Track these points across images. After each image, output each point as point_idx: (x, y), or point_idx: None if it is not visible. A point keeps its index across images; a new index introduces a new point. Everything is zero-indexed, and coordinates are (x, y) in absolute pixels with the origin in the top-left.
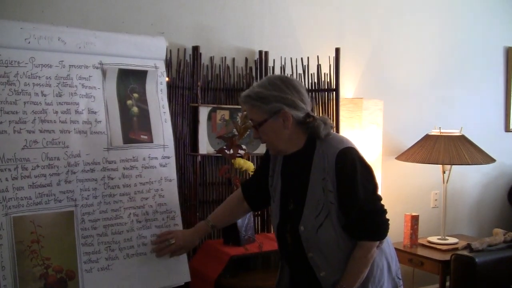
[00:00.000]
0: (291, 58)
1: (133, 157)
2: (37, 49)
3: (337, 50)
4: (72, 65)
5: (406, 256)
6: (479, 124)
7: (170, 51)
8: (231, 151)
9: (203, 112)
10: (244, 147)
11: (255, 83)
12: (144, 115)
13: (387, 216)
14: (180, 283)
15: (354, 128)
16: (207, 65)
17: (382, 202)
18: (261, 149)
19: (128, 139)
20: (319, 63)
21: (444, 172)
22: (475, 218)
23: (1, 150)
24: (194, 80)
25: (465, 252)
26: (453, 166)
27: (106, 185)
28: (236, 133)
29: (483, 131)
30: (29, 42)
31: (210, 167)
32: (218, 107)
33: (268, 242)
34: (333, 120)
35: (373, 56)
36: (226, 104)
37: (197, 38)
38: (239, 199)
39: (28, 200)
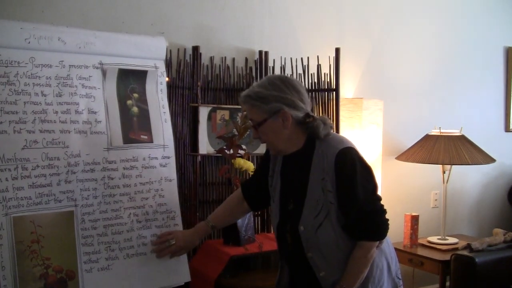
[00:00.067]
0: (291, 58)
1: (133, 157)
2: (37, 49)
3: (337, 50)
4: (72, 65)
5: (406, 256)
6: (479, 124)
7: (170, 51)
8: (231, 151)
9: (203, 112)
10: (244, 147)
11: (255, 83)
12: (144, 115)
13: (387, 216)
14: (180, 283)
15: (354, 128)
16: (207, 65)
17: (382, 202)
18: (261, 149)
19: (128, 139)
20: (319, 63)
21: (444, 172)
22: (475, 218)
23: (1, 150)
24: (194, 80)
25: (465, 252)
26: (453, 166)
27: (106, 185)
28: (236, 133)
29: (483, 131)
30: (29, 42)
31: (210, 167)
32: (218, 107)
33: (268, 242)
34: (333, 120)
35: (373, 56)
36: (226, 104)
37: (197, 38)
38: (239, 199)
39: (28, 200)
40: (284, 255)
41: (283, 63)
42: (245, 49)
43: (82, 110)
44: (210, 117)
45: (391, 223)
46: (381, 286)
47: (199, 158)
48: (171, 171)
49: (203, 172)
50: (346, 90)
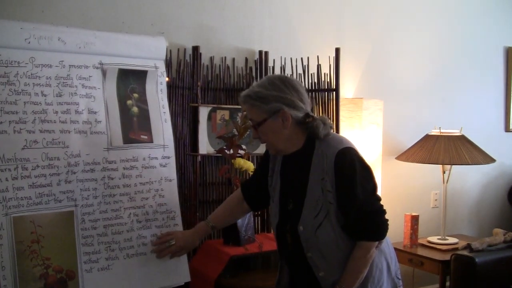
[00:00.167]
0: (291, 58)
1: (133, 157)
2: (37, 49)
3: (337, 50)
4: (72, 65)
5: (406, 256)
6: (479, 124)
7: (170, 51)
8: (231, 151)
9: (203, 112)
10: (244, 147)
11: (254, 83)
12: (144, 115)
13: (387, 216)
14: (180, 283)
15: (354, 128)
16: (207, 65)
17: (382, 202)
18: (261, 149)
19: (128, 139)
20: (319, 63)
21: (444, 172)
22: (475, 218)
23: (1, 150)
24: (194, 80)
25: (465, 252)
26: (453, 166)
27: (106, 185)
28: (236, 133)
29: (483, 131)
30: (29, 42)
31: (210, 167)
32: (218, 107)
33: (268, 242)
34: (333, 120)
35: (373, 56)
36: (226, 104)
37: (197, 38)
38: (239, 199)
39: (28, 200)
40: (284, 255)
41: (283, 63)
42: (245, 49)
43: (82, 110)
44: (210, 117)
45: (391, 223)
46: (380, 286)
47: (199, 158)
48: (171, 171)
49: (203, 172)
50: (346, 90)
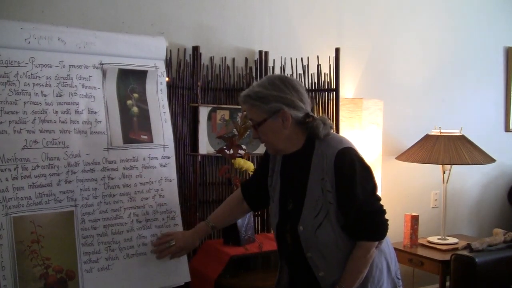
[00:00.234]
0: (291, 58)
1: (133, 157)
2: (37, 49)
3: (337, 50)
4: (72, 65)
5: (406, 256)
6: (479, 124)
7: (170, 51)
8: (231, 151)
9: (203, 112)
10: (244, 147)
11: (254, 83)
12: (144, 115)
13: (386, 216)
14: (180, 283)
15: (354, 128)
16: (207, 65)
17: (382, 202)
18: (261, 149)
19: (128, 139)
20: (319, 63)
21: (444, 172)
22: (475, 218)
23: (1, 150)
24: (194, 80)
25: (465, 252)
26: (453, 166)
27: (106, 185)
28: (236, 133)
29: (483, 131)
30: (29, 42)
31: (210, 167)
32: (218, 107)
33: (268, 242)
34: (333, 120)
35: (373, 56)
36: (226, 104)
37: (197, 38)
38: (239, 199)
39: (28, 200)
40: (284, 255)
41: (283, 63)
42: (245, 49)
43: (82, 110)
44: (210, 117)
45: (391, 223)
46: (380, 286)
47: (199, 158)
48: (171, 171)
49: (203, 172)
50: (346, 90)
